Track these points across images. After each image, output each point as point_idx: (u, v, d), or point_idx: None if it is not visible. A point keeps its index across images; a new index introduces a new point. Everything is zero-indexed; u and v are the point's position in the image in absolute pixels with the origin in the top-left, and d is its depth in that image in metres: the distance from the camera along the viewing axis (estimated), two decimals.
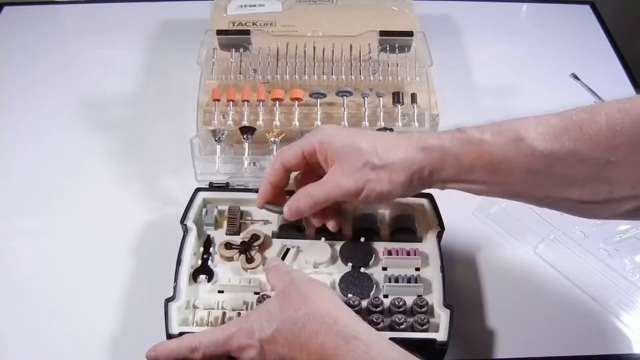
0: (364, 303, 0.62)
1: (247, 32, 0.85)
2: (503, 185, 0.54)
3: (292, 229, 0.69)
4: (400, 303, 0.63)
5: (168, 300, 0.61)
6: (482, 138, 0.53)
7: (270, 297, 0.60)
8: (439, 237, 0.67)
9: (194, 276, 0.66)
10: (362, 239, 0.69)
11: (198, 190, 0.72)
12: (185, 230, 0.68)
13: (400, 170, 0.56)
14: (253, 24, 0.90)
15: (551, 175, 0.51)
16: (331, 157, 0.58)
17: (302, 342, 0.50)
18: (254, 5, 0.93)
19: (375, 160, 0.56)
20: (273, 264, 0.62)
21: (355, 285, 0.64)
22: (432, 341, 0.58)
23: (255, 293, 0.65)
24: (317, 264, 0.67)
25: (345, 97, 0.78)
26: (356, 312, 0.57)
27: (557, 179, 0.51)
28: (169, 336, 0.59)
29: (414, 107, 0.78)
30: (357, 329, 0.49)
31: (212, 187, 0.73)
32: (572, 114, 0.51)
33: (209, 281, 0.66)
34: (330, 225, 0.65)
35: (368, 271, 0.66)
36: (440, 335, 0.59)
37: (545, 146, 0.50)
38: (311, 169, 0.63)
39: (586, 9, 1.13)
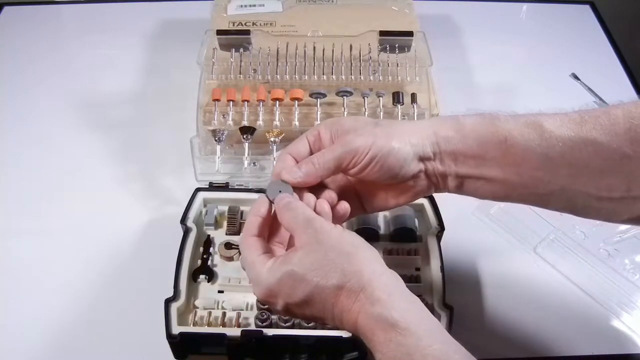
0: None
1: (247, 32, 0.85)
2: (517, 170, 0.51)
3: None
4: None
5: (168, 300, 0.61)
6: (497, 116, 0.52)
7: None
8: (439, 237, 0.67)
9: (194, 276, 0.66)
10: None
11: (198, 190, 0.72)
12: (185, 230, 0.68)
13: (411, 132, 0.53)
14: (253, 24, 0.90)
15: (567, 164, 0.49)
16: (337, 132, 0.54)
17: (335, 314, 0.48)
18: (254, 5, 0.93)
19: (384, 122, 0.54)
20: (285, 201, 0.52)
21: None
22: None
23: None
24: None
25: (345, 97, 0.78)
26: None
27: (573, 168, 0.49)
28: (169, 336, 0.59)
29: (414, 107, 0.78)
30: (394, 314, 0.45)
31: (212, 187, 0.73)
32: (590, 109, 0.50)
33: (209, 281, 0.66)
34: (341, 208, 0.56)
35: None
36: None
37: (563, 132, 0.49)
38: None
39: (586, 9, 1.13)
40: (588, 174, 0.49)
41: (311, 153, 0.55)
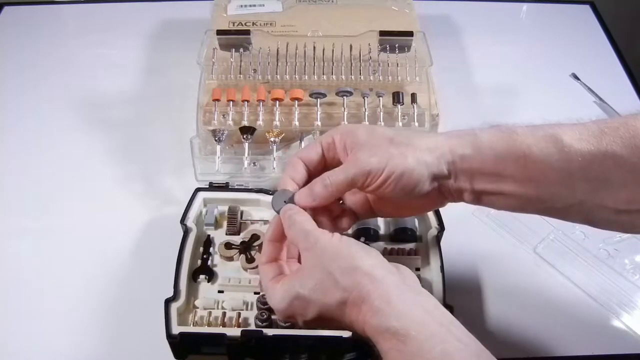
0: None
1: (247, 32, 0.85)
2: (535, 185, 0.50)
3: None
4: None
5: (168, 300, 0.61)
6: (515, 130, 0.51)
7: None
8: (439, 237, 0.67)
9: (194, 276, 0.66)
10: (362, 239, 0.69)
11: (198, 190, 0.72)
12: (185, 230, 0.68)
13: (426, 150, 0.52)
14: (253, 24, 0.90)
15: (586, 178, 0.49)
16: (351, 144, 0.53)
17: (348, 325, 0.50)
18: (254, 5, 0.93)
19: (400, 138, 0.53)
20: (287, 214, 0.53)
21: None
22: None
23: (255, 293, 0.65)
24: None
25: (345, 97, 0.78)
26: None
27: (592, 183, 0.49)
28: (169, 336, 0.59)
29: (414, 107, 0.78)
30: (394, 323, 0.45)
31: (212, 187, 0.73)
32: (607, 120, 0.49)
33: (209, 281, 0.66)
34: (345, 223, 0.58)
35: None
36: None
37: (583, 145, 0.48)
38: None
39: (586, 9, 1.13)
40: (607, 187, 0.49)
41: (324, 160, 0.56)
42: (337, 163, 0.55)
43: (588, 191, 0.49)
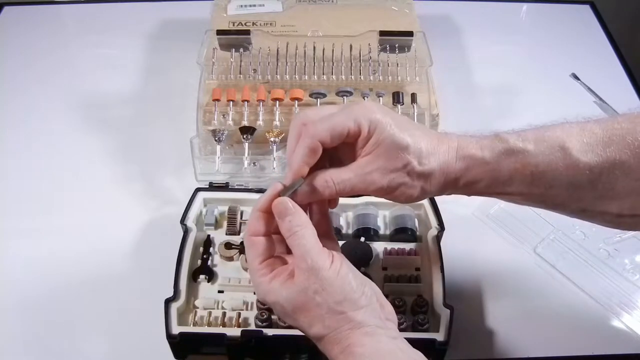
0: None
1: (247, 32, 0.85)
2: (540, 197, 0.51)
3: None
4: (400, 303, 0.63)
5: (168, 300, 0.61)
6: (525, 148, 0.50)
7: None
8: (439, 237, 0.67)
9: (194, 276, 0.66)
10: (362, 239, 0.69)
11: (198, 190, 0.72)
12: (185, 230, 0.68)
13: (435, 179, 0.52)
14: (253, 24, 0.90)
15: (593, 189, 0.49)
16: (372, 144, 0.50)
17: (321, 347, 0.50)
18: (254, 5, 0.93)
19: (415, 165, 0.50)
20: (291, 224, 0.49)
21: None
22: (432, 341, 0.58)
23: (255, 293, 0.65)
24: None
25: (345, 97, 0.78)
26: None
27: (598, 192, 0.49)
28: (169, 336, 0.59)
29: (414, 107, 0.78)
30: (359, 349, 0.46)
31: (212, 187, 0.73)
32: (614, 123, 0.49)
33: (209, 281, 0.66)
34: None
35: (368, 271, 0.66)
36: (440, 335, 0.59)
37: (591, 158, 0.48)
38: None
39: (586, 9, 1.13)
40: (613, 196, 0.49)
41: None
42: (346, 146, 0.51)
43: (593, 199, 0.50)
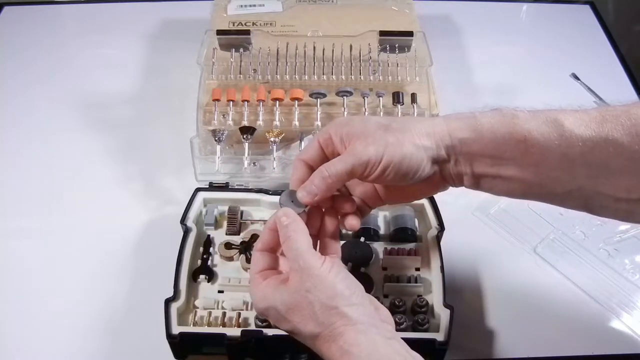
0: None
1: (247, 32, 0.85)
2: (535, 170, 0.50)
3: None
4: (400, 303, 0.63)
5: (168, 300, 0.61)
6: (516, 114, 0.51)
7: None
8: (439, 237, 0.67)
9: (194, 276, 0.66)
10: (362, 239, 0.69)
11: (198, 190, 0.72)
12: (185, 230, 0.68)
13: (424, 135, 0.52)
14: (253, 24, 0.90)
15: (586, 164, 0.49)
16: (347, 135, 0.53)
17: (315, 349, 0.50)
18: (254, 5, 0.93)
19: (396, 125, 0.52)
20: (284, 223, 0.52)
21: None
22: (432, 341, 0.58)
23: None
24: None
25: (345, 97, 0.78)
26: None
27: (592, 168, 0.49)
28: (169, 336, 0.59)
29: (414, 107, 0.78)
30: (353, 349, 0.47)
31: (212, 187, 0.73)
32: (609, 107, 0.49)
33: (209, 281, 0.66)
34: (349, 223, 0.56)
35: (368, 271, 0.66)
36: (440, 335, 0.59)
37: (584, 131, 0.48)
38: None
39: (586, 9, 1.13)
40: (607, 174, 0.49)
41: (324, 156, 0.55)
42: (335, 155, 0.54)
43: (588, 177, 0.49)
